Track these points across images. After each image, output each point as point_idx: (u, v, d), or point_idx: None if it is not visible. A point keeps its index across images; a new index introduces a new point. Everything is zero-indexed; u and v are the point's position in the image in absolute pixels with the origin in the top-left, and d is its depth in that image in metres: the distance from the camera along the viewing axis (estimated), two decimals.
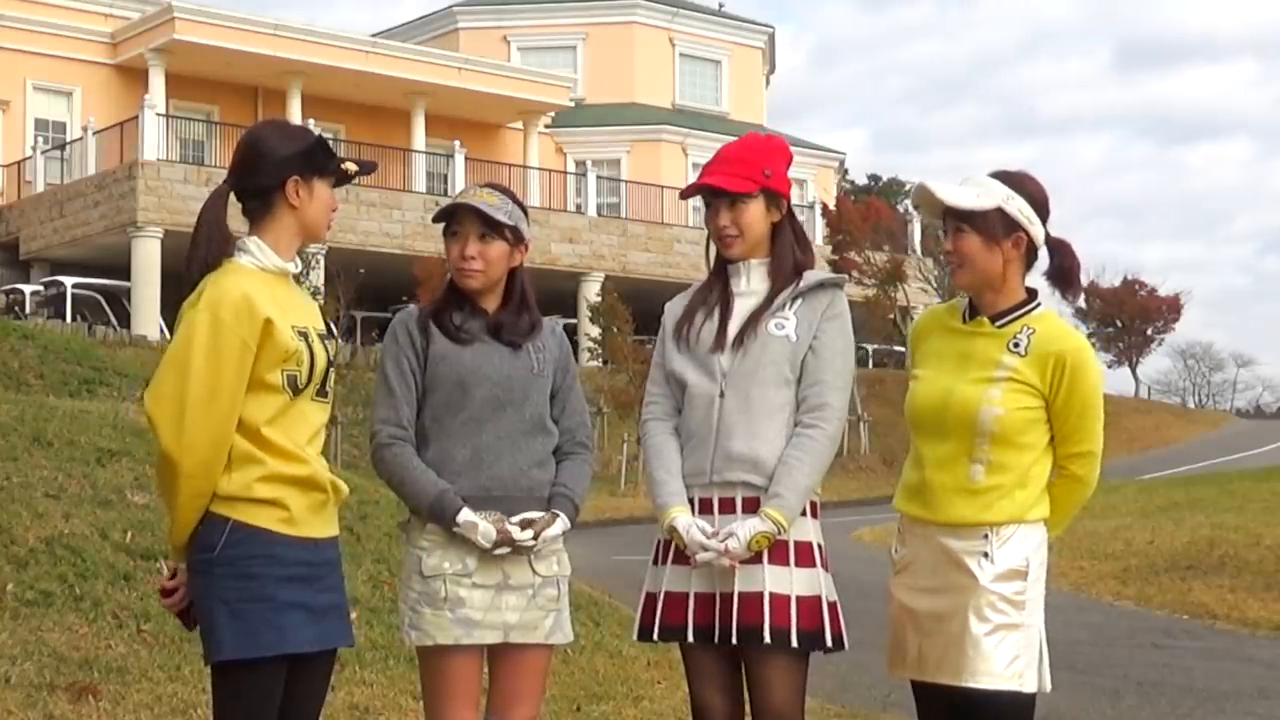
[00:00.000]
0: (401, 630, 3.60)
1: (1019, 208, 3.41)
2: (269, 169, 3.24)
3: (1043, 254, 3.52)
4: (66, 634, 6.24)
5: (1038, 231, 3.45)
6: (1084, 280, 3.52)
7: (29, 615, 6.37)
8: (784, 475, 3.46)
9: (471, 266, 3.58)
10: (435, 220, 3.66)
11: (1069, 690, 6.94)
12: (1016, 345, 3.40)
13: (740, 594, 3.43)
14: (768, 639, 3.40)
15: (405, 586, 3.58)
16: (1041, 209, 3.47)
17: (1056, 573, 11.87)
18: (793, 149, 3.86)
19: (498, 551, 3.49)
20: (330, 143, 3.41)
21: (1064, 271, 3.50)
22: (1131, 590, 11.13)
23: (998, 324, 3.45)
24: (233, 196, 3.30)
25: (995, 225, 3.40)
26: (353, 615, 3.77)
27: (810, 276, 3.63)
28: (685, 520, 3.47)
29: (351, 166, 3.32)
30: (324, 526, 3.25)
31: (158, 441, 3.15)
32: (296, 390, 3.18)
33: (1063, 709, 6.55)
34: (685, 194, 3.77)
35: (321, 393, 3.28)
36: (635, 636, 3.62)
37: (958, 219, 3.41)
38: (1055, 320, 3.45)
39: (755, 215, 3.60)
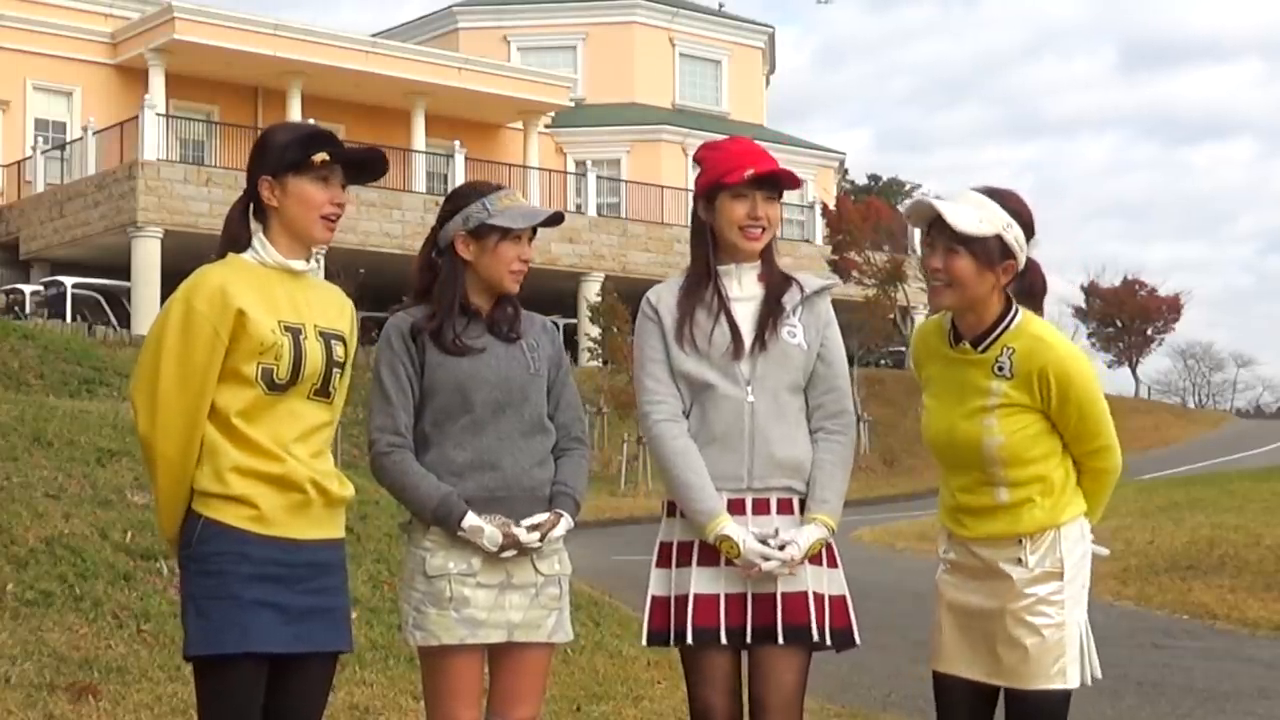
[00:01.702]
0: (404, 630, 3.59)
1: (1015, 236, 3.41)
2: (252, 169, 3.28)
3: None
4: (66, 634, 6.24)
5: (1024, 258, 3.45)
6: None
7: (29, 615, 6.37)
8: (827, 481, 3.53)
9: (524, 268, 3.63)
10: (516, 225, 3.58)
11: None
12: (1001, 369, 3.42)
13: (784, 594, 3.46)
14: (816, 637, 3.45)
15: (408, 587, 3.57)
16: (1028, 231, 3.47)
17: None
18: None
19: (504, 555, 3.50)
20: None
21: (1031, 289, 3.51)
22: (1131, 590, 11.12)
23: (980, 349, 3.45)
24: None
25: (993, 252, 3.39)
26: (352, 616, 3.75)
27: (810, 282, 3.64)
28: (738, 529, 3.45)
29: (320, 157, 3.23)
30: (308, 528, 3.21)
31: (137, 427, 3.19)
32: (273, 385, 3.17)
33: None
34: (758, 178, 3.52)
35: (322, 393, 3.27)
36: (645, 642, 3.59)
37: (953, 239, 3.38)
38: (1032, 330, 3.43)
39: (778, 213, 3.62)
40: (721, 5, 48.04)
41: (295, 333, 3.21)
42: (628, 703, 6.60)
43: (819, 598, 3.49)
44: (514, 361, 3.60)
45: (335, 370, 3.28)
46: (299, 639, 3.17)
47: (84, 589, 6.78)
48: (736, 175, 3.52)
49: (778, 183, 3.58)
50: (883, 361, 35.47)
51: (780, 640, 3.45)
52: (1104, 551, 3.65)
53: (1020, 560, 3.41)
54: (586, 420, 4.05)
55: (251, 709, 3.15)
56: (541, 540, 3.53)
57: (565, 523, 3.57)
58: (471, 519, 3.47)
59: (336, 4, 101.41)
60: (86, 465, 9.07)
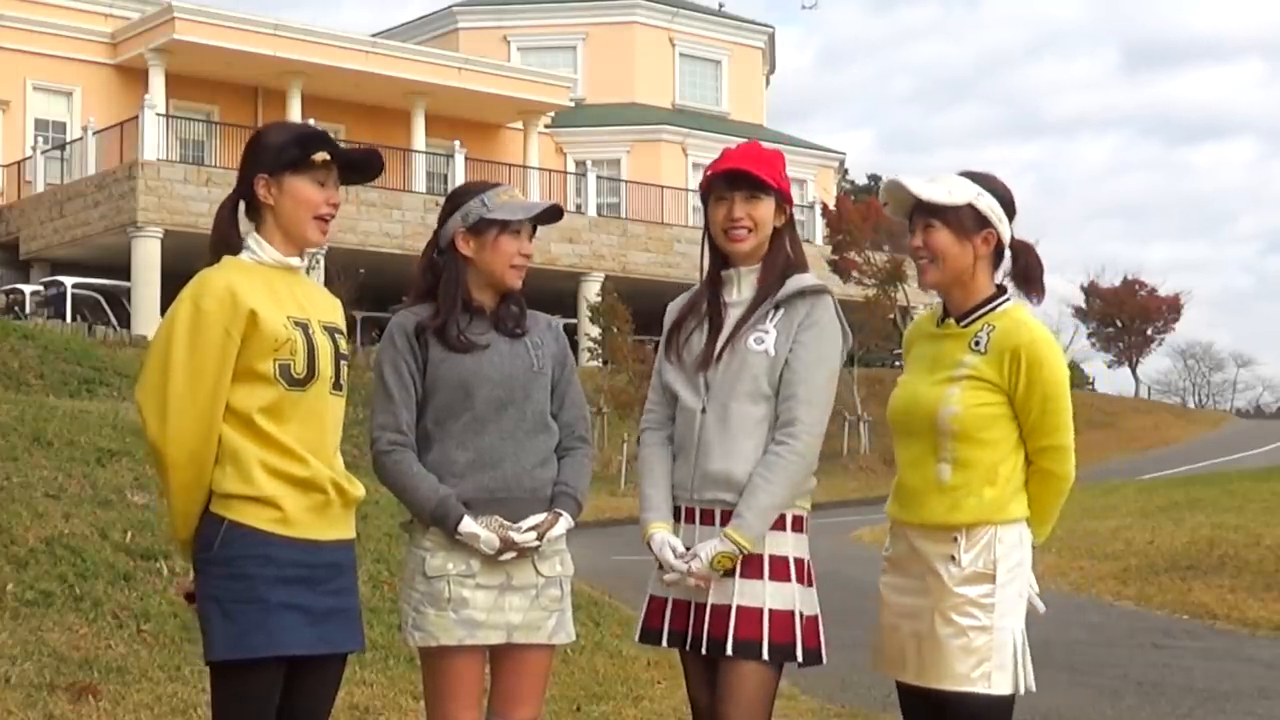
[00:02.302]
0: (404, 631, 3.59)
1: (989, 205, 3.46)
2: (247, 168, 3.28)
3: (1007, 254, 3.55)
4: (66, 634, 6.24)
5: (1005, 230, 3.50)
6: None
7: (29, 615, 6.37)
8: (748, 496, 3.47)
9: (525, 263, 3.64)
10: (514, 217, 3.59)
11: (1069, 690, 6.93)
12: (978, 343, 3.44)
13: (711, 606, 3.48)
14: (730, 651, 3.44)
15: (408, 587, 3.58)
16: (1008, 209, 3.51)
17: (1056, 573, 11.85)
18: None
19: (502, 558, 3.50)
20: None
21: (1026, 272, 3.53)
22: (1131, 590, 11.12)
23: (962, 323, 3.49)
24: None
25: (967, 220, 3.44)
26: None
27: (791, 284, 3.59)
28: (660, 538, 3.53)
29: (320, 156, 3.24)
30: (327, 529, 3.23)
31: (145, 433, 3.16)
32: (292, 381, 3.17)
33: (1063, 709, 6.54)
34: (713, 179, 3.59)
35: (337, 386, 3.29)
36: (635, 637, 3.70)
37: (929, 214, 3.45)
38: (1017, 315, 3.47)
39: (769, 213, 3.59)
40: (721, 5, 48.04)
41: (304, 327, 3.22)
42: (628, 703, 6.61)
43: (750, 612, 3.45)
44: (517, 359, 3.60)
45: (343, 362, 3.31)
46: (322, 640, 3.19)
47: (84, 589, 6.78)
48: (705, 181, 3.62)
49: (750, 182, 3.56)
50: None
51: (704, 650, 3.48)
52: (1040, 607, 3.50)
53: (953, 558, 3.38)
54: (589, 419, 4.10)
55: (270, 710, 3.16)
56: (540, 540, 3.52)
57: (564, 522, 3.57)
58: (468, 524, 3.46)
59: (336, 4, 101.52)
60: (86, 465, 9.08)
